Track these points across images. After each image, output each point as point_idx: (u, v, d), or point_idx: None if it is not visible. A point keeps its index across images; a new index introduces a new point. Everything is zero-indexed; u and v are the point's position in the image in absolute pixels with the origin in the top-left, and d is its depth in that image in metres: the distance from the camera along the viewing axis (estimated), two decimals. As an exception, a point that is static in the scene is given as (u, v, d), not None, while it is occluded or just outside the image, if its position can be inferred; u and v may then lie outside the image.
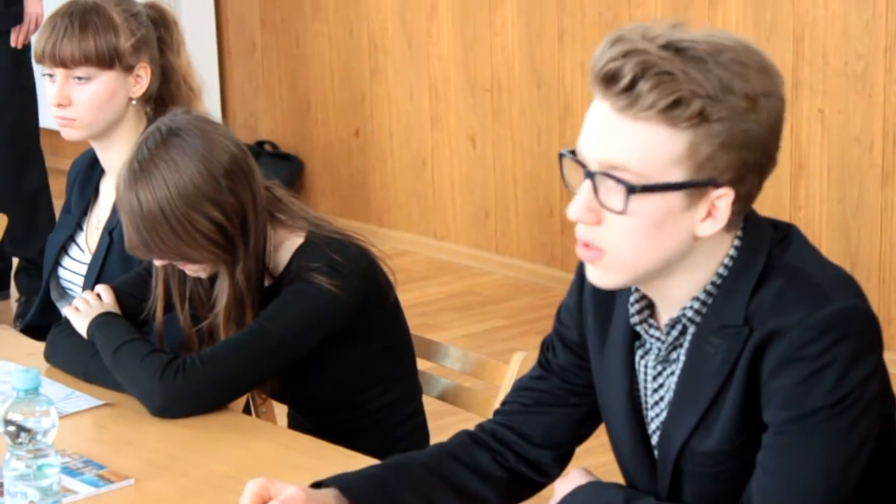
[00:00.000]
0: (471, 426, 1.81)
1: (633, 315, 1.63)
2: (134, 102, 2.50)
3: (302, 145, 5.49)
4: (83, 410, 2.15)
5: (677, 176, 1.49)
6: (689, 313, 1.58)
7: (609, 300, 1.67)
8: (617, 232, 1.51)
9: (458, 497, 1.74)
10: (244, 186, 2.13)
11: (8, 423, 1.73)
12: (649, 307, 1.62)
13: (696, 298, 1.57)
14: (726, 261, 1.57)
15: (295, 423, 2.34)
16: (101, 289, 2.30)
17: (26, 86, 4.41)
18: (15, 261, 4.29)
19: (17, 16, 4.31)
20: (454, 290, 4.74)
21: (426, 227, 5.11)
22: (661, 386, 1.63)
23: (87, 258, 2.54)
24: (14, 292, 3.61)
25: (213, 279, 2.22)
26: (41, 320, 2.58)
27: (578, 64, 4.54)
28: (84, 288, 2.48)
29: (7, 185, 4.41)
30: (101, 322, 2.22)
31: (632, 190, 1.49)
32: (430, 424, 2.37)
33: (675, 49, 1.49)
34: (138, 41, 2.47)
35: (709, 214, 1.52)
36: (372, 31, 5.12)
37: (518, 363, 2.16)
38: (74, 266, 2.57)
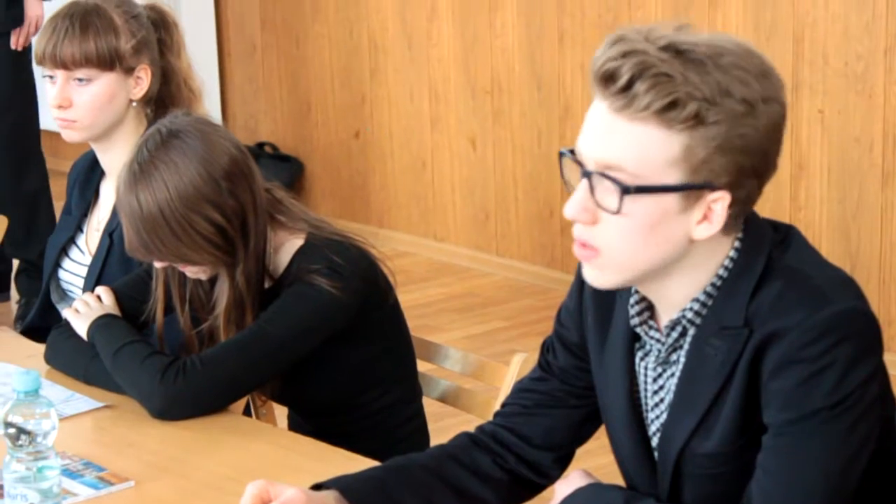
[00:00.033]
0: (471, 428, 1.81)
1: (633, 317, 1.63)
2: (134, 104, 2.50)
3: (302, 147, 5.49)
4: (83, 412, 2.15)
5: (673, 178, 1.50)
6: (689, 315, 1.58)
7: (609, 302, 1.67)
8: (612, 232, 1.51)
9: (458, 499, 1.74)
10: (244, 188, 2.13)
11: (8, 425, 1.73)
12: (649, 309, 1.62)
13: (696, 300, 1.57)
14: (726, 262, 1.57)
15: (295, 425, 2.34)
16: (101, 291, 2.30)
17: (26, 88, 4.41)
18: (15, 263, 4.29)
19: (17, 18, 4.31)
20: (454, 292, 4.74)
21: (426, 229, 5.11)
22: (661, 387, 1.63)
23: (88, 260, 2.54)
24: (14, 294, 3.61)
25: (213, 281, 2.22)
26: (41, 322, 2.58)
27: (578, 65, 4.54)
28: (84, 290, 2.48)
29: (7, 186, 4.41)
30: (101, 324, 2.22)
31: (626, 190, 1.49)
32: (431, 426, 2.37)
33: (676, 51, 1.49)
34: (139, 43, 2.48)
35: (705, 217, 1.52)
36: (372, 33, 5.12)
37: (518, 365, 2.16)
38: (75, 268, 2.57)
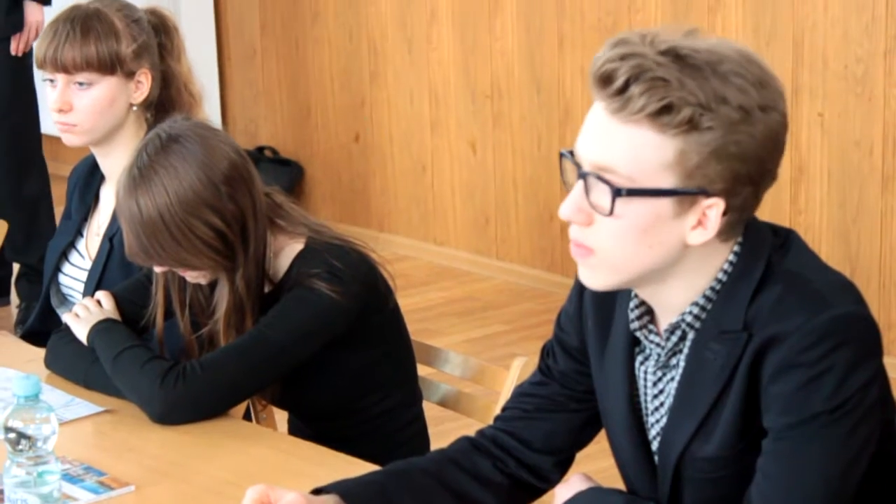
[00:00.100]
0: (471, 432, 1.81)
1: (632, 321, 1.63)
2: (134, 108, 2.51)
3: (302, 151, 5.50)
4: (83, 417, 2.15)
5: (666, 182, 1.50)
6: (689, 319, 1.58)
7: (609, 306, 1.67)
8: (605, 233, 1.52)
9: (458, 503, 1.74)
10: (244, 193, 2.13)
11: (8, 429, 1.73)
12: (649, 313, 1.63)
13: (695, 304, 1.57)
14: (725, 266, 1.57)
15: (295, 430, 2.34)
16: (101, 295, 2.30)
17: (27, 93, 4.41)
18: (15, 267, 4.29)
19: (17, 24, 4.31)
20: (454, 296, 4.74)
21: (426, 233, 5.11)
22: (661, 392, 1.63)
23: (88, 264, 2.54)
24: (14, 298, 3.61)
25: (213, 285, 2.22)
26: (41, 326, 2.58)
27: (578, 69, 4.54)
28: (84, 294, 2.48)
29: (8, 191, 4.41)
30: (101, 328, 2.22)
31: (618, 193, 1.49)
32: (431, 430, 2.37)
33: (675, 56, 1.49)
34: (139, 47, 2.48)
35: (699, 223, 1.52)
36: (372, 37, 5.12)
37: (518, 369, 2.16)
38: (75, 272, 2.58)
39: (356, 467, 1.89)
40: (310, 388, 2.23)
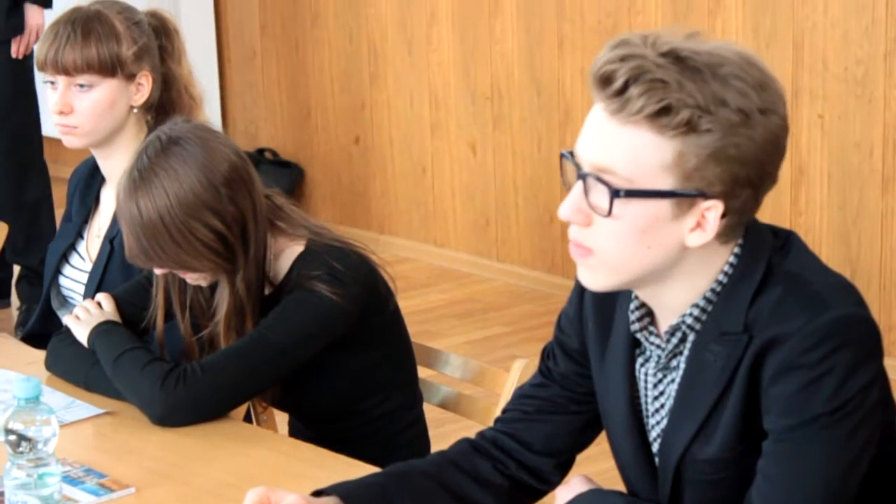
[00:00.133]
0: (471, 434, 1.81)
1: (633, 322, 1.63)
2: (135, 110, 2.51)
3: (302, 152, 5.50)
4: (84, 419, 2.15)
5: (665, 184, 1.50)
6: (689, 320, 1.58)
7: (609, 308, 1.67)
8: (604, 234, 1.52)
9: (458, 505, 1.74)
10: (244, 195, 2.13)
11: (9, 432, 1.73)
12: (649, 315, 1.63)
13: (696, 306, 1.57)
14: (725, 268, 1.57)
15: (296, 432, 2.34)
16: (101, 297, 2.30)
17: (27, 96, 4.41)
18: (16, 269, 4.30)
19: (17, 27, 4.31)
20: (455, 298, 4.74)
21: (426, 235, 5.12)
22: (661, 393, 1.63)
23: (88, 266, 2.54)
24: (15, 301, 3.61)
25: (213, 288, 2.22)
26: (42, 329, 2.58)
27: (578, 71, 4.54)
28: (85, 296, 2.48)
29: (9, 194, 4.41)
30: (101, 330, 2.22)
31: (616, 194, 1.50)
32: (431, 432, 2.37)
33: (676, 58, 1.49)
34: (140, 49, 2.48)
35: (698, 225, 1.52)
36: (372, 38, 5.12)
37: (518, 371, 2.16)
38: (75, 274, 2.58)
39: (356, 469, 1.89)
40: (310, 390, 2.23)
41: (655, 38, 1.50)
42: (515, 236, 4.86)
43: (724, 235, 1.54)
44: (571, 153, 1.55)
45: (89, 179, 2.61)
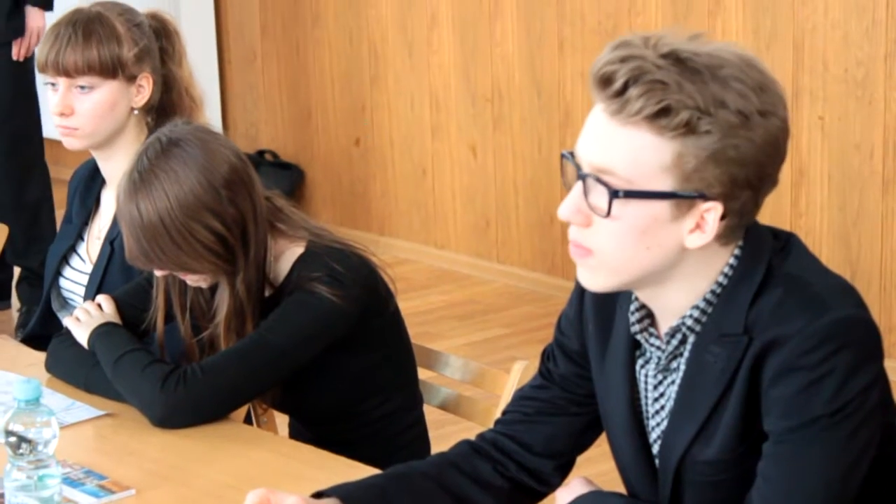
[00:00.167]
0: (471, 435, 1.81)
1: (633, 324, 1.63)
2: (135, 112, 2.51)
3: (302, 154, 5.50)
4: (84, 421, 2.15)
5: (664, 185, 1.50)
6: (689, 322, 1.58)
7: (609, 309, 1.67)
8: (604, 234, 1.52)
9: (459, 507, 1.74)
10: (244, 196, 2.13)
11: (9, 433, 1.74)
12: (649, 316, 1.63)
13: (696, 307, 1.57)
14: (725, 269, 1.57)
15: (296, 433, 2.34)
16: (101, 299, 2.30)
17: (28, 98, 4.41)
18: (16, 270, 4.29)
19: (18, 29, 4.31)
20: (455, 299, 4.74)
21: (427, 236, 5.12)
22: (661, 395, 1.63)
23: (88, 268, 2.54)
24: (15, 302, 3.60)
25: (213, 289, 2.22)
26: (42, 330, 2.58)
27: (579, 73, 4.55)
28: (85, 298, 2.48)
29: (10, 195, 4.41)
30: (101, 332, 2.22)
31: (615, 194, 1.50)
32: (431, 433, 2.37)
33: (676, 59, 1.49)
34: (141, 51, 2.48)
35: (697, 227, 1.52)
36: (372, 40, 5.12)
37: (519, 372, 2.16)
38: (75, 276, 2.58)
39: (357, 471, 1.89)
40: (310, 392, 2.23)
41: (657, 39, 1.50)
42: (516, 238, 4.86)
43: (723, 237, 1.54)
44: (572, 154, 1.55)
45: (89, 181, 2.61)
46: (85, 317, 2.26)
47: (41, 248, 4.04)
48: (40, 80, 2.55)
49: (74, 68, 2.43)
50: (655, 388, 1.64)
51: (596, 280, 1.57)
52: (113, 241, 2.48)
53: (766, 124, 1.51)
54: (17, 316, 3.41)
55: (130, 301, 2.30)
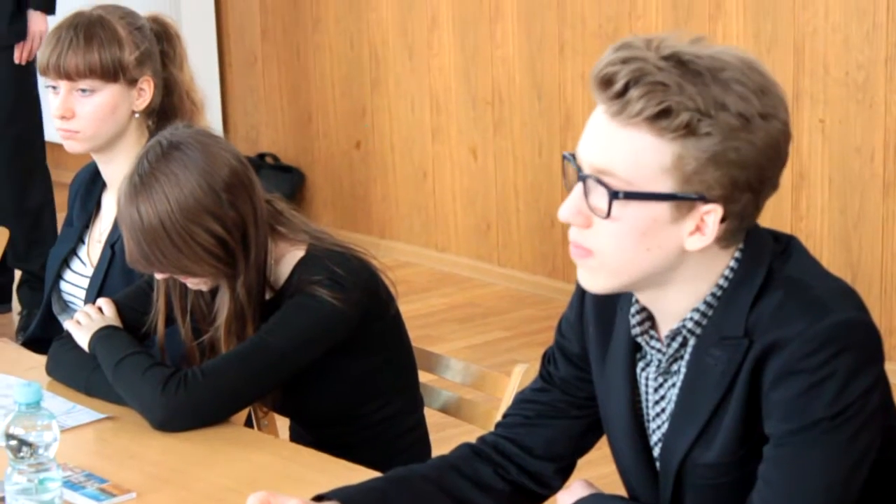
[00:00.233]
0: (472, 438, 1.81)
1: (633, 327, 1.63)
2: (136, 116, 2.51)
3: (303, 157, 5.50)
4: (85, 424, 2.15)
5: (664, 187, 1.50)
6: (690, 325, 1.58)
7: (610, 312, 1.67)
8: (604, 235, 1.52)
9: (459, 510, 1.74)
10: (245, 200, 2.13)
11: (10, 437, 1.74)
12: (650, 319, 1.63)
13: (696, 310, 1.57)
14: (726, 272, 1.57)
15: (297, 436, 2.34)
16: (102, 302, 2.30)
17: (30, 101, 4.41)
18: (17, 274, 4.29)
19: (20, 33, 4.31)
20: (455, 302, 4.74)
21: (427, 239, 5.12)
22: (662, 398, 1.64)
23: (89, 271, 2.54)
24: (16, 305, 3.61)
25: (214, 292, 2.22)
26: (43, 334, 2.58)
27: (579, 76, 4.55)
28: (86, 301, 2.48)
29: (11, 199, 4.41)
30: (102, 335, 2.22)
31: (615, 195, 1.50)
32: (432, 437, 2.37)
33: (677, 61, 1.49)
34: (142, 54, 2.48)
35: (697, 229, 1.52)
36: (373, 43, 5.13)
37: (519, 375, 2.16)
38: (76, 279, 2.58)
39: (357, 474, 1.89)
40: (311, 395, 2.23)
41: (659, 41, 1.51)
42: (516, 241, 4.86)
43: (724, 240, 1.55)
44: (573, 155, 1.55)
45: (90, 184, 2.61)
46: (86, 320, 2.26)
47: (42, 251, 4.04)
48: (42, 83, 2.55)
49: (76, 71, 2.43)
50: (656, 390, 1.64)
51: (596, 281, 1.57)
52: (114, 244, 2.48)
53: (766, 127, 1.51)
54: (17, 319, 3.41)
55: (131, 304, 2.30)
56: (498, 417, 1.87)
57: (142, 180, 2.11)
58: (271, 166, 5.50)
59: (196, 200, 2.09)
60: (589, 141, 1.54)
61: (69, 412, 2.18)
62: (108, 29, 2.46)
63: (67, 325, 2.30)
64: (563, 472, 1.79)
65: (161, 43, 2.54)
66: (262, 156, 5.54)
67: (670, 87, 1.48)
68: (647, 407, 1.65)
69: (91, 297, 2.46)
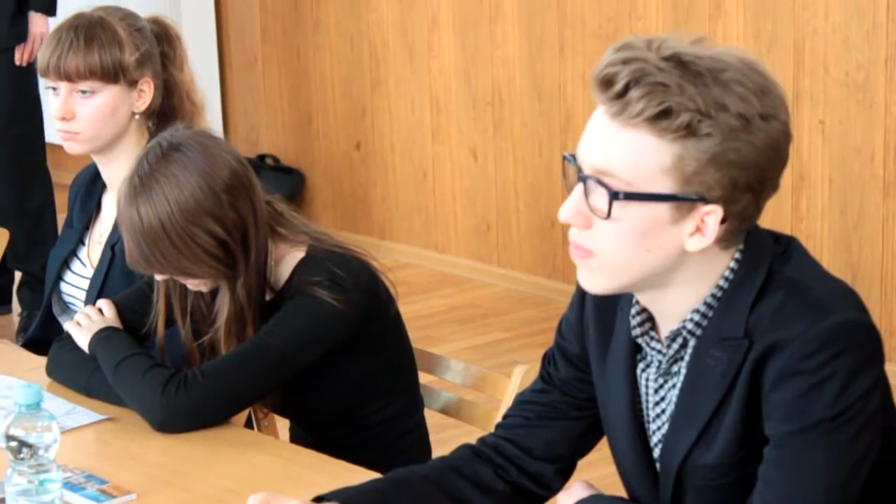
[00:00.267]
0: (472, 439, 1.81)
1: (634, 328, 1.63)
2: (137, 117, 2.51)
3: (303, 158, 5.50)
4: (85, 425, 2.15)
5: (665, 187, 1.50)
6: (690, 326, 1.58)
7: (610, 313, 1.67)
8: (604, 236, 1.52)
9: (459, 511, 1.74)
10: (245, 201, 2.13)
11: (10, 438, 1.74)
12: (650, 320, 1.63)
13: (696, 311, 1.57)
14: (726, 273, 1.57)
15: (297, 437, 2.34)
16: (102, 303, 2.30)
17: (31, 103, 4.41)
18: (17, 275, 4.29)
19: (20, 34, 4.31)
20: (456, 303, 4.74)
21: (427, 240, 5.12)
22: (662, 399, 1.63)
23: (90, 273, 2.54)
24: (16, 307, 3.61)
25: (214, 294, 2.22)
26: (43, 335, 2.58)
27: (579, 76, 4.55)
28: (86, 302, 2.48)
29: (12, 200, 4.41)
30: (102, 337, 2.22)
31: (615, 196, 1.50)
32: (432, 438, 2.37)
33: (678, 62, 1.49)
34: (142, 56, 2.48)
35: (697, 230, 1.52)
36: (373, 44, 5.13)
37: (519, 376, 2.16)
38: (76, 280, 2.58)
39: (357, 475, 1.89)
40: (311, 396, 2.23)
41: (659, 42, 1.51)
42: (516, 242, 4.86)
43: (724, 241, 1.55)
44: (573, 156, 1.55)
45: (90, 186, 2.61)
46: (86, 321, 2.26)
47: (42, 252, 4.04)
48: (42, 84, 2.56)
49: (76, 73, 2.43)
50: (656, 391, 1.64)
51: (596, 282, 1.57)
52: (114, 245, 2.48)
53: (767, 128, 1.51)
54: (17, 320, 3.41)
55: (131, 305, 2.30)
56: (498, 418, 1.87)
57: (142, 181, 2.11)
58: (271, 167, 5.50)
59: (196, 202, 2.09)
60: (589, 141, 1.54)
61: (69, 413, 2.18)
62: (109, 30, 2.46)
63: (67, 326, 2.30)
64: (564, 474, 1.79)
65: (161, 44, 2.54)
66: (262, 157, 5.54)
67: (671, 88, 1.48)
68: (647, 408, 1.65)
69: (91, 299, 2.46)
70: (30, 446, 1.73)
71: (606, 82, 1.50)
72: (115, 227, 2.47)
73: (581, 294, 1.71)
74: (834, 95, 3.98)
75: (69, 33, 2.44)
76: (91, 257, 2.56)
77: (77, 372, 2.25)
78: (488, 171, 4.88)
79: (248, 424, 2.43)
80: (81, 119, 2.46)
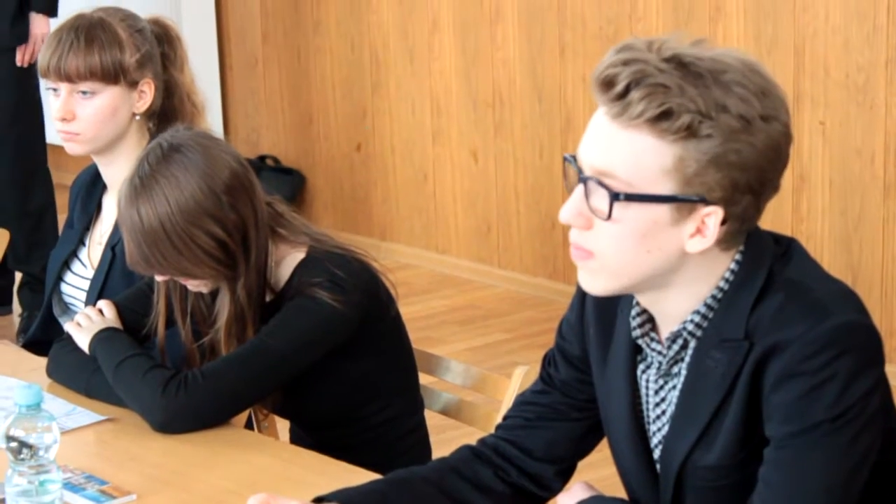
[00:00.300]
0: (472, 440, 1.81)
1: (634, 329, 1.63)
2: (137, 118, 2.51)
3: (304, 160, 5.50)
4: (85, 426, 2.15)
5: (665, 189, 1.50)
6: (690, 327, 1.58)
7: (610, 314, 1.67)
8: (604, 237, 1.52)
9: (460, 512, 1.74)
10: (245, 202, 2.14)
11: (10, 438, 1.74)
12: (650, 321, 1.63)
13: (697, 312, 1.57)
14: (726, 275, 1.57)
15: (297, 438, 2.34)
16: (103, 304, 2.30)
17: (32, 104, 4.42)
18: (18, 276, 4.30)
19: (21, 35, 4.32)
20: (456, 304, 4.74)
21: (428, 241, 5.12)
22: (662, 400, 1.64)
23: (90, 273, 2.54)
24: (17, 307, 3.61)
25: (214, 294, 2.22)
26: (43, 336, 2.58)
27: (580, 78, 4.55)
28: (86, 303, 2.48)
29: (13, 201, 4.41)
30: (102, 337, 2.22)
31: (616, 197, 1.50)
32: (432, 439, 2.37)
33: (678, 63, 1.50)
34: (143, 57, 2.48)
35: (698, 231, 1.52)
36: (373, 46, 5.13)
37: (520, 377, 2.16)
38: (77, 281, 2.58)
39: (357, 476, 1.89)
40: (311, 397, 2.23)
41: (660, 43, 1.51)
42: (517, 243, 4.86)
43: (724, 242, 1.55)
44: (574, 157, 1.55)
45: (91, 186, 2.61)
46: (86, 322, 2.26)
47: (43, 253, 4.04)
48: (43, 85, 2.56)
49: (76, 74, 2.43)
50: (657, 392, 1.64)
51: (596, 283, 1.57)
52: (114, 246, 2.48)
53: (767, 129, 1.51)
54: (18, 321, 3.42)
55: (131, 306, 2.30)
56: (498, 419, 1.87)
57: (142, 182, 2.11)
58: (272, 168, 5.50)
59: (196, 203, 2.09)
60: (590, 142, 1.54)
61: (69, 414, 2.18)
62: (109, 31, 2.46)
63: (68, 326, 2.30)
64: (564, 475, 1.79)
65: (162, 45, 2.54)
66: (262, 158, 5.55)
67: (671, 89, 1.48)
68: (647, 409, 1.65)
69: (91, 299, 2.46)
70: (30, 447, 1.73)
71: (607, 83, 1.50)
72: (116, 228, 2.47)
73: (581, 295, 1.71)
74: (834, 97, 3.98)
75: (70, 34, 2.44)
76: (91, 258, 2.56)
77: (77, 373, 2.26)
78: (489, 173, 4.89)
79: (249, 425, 2.43)
80: (82, 120, 2.46)
